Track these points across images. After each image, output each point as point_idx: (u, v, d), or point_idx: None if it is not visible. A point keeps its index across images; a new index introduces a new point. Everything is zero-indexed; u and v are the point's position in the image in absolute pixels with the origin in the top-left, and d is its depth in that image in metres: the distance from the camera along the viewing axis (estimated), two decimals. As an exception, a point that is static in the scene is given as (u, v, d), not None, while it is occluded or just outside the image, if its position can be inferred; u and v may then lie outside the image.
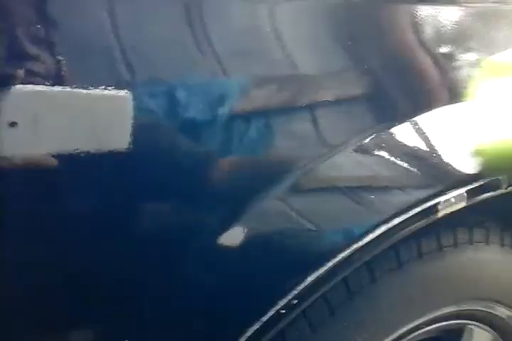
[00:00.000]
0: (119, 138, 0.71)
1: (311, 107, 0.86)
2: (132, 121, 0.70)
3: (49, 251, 0.72)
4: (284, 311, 0.82)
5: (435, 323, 1.10)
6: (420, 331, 1.08)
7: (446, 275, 1.08)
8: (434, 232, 1.05)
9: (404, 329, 1.04)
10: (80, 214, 0.73)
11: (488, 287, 1.14)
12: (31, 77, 0.65)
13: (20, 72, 0.64)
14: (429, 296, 1.06)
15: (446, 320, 1.12)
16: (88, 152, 0.69)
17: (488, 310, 1.16)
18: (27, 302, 0.73)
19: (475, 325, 1.17)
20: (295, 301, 0.83)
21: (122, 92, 0.70)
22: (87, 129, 0.69)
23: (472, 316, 1.15)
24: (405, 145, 0.94)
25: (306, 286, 0.83)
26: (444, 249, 1.06)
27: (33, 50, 0.65)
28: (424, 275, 1.05)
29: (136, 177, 0.75)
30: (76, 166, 0.70)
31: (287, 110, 0.85)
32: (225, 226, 0.80)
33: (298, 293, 0.83)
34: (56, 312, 0.75)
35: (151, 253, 0.77)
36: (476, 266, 1.12)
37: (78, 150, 0.68)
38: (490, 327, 1.19)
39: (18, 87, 0.64)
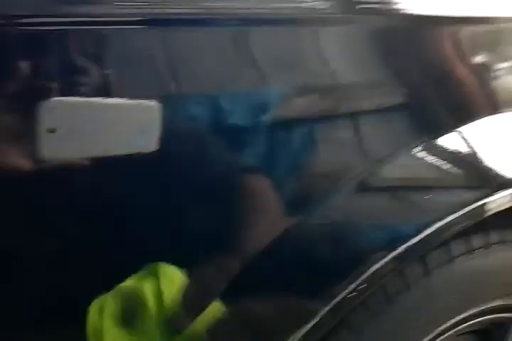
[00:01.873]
0: (151, 145, 0.76)
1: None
2: (163, 129, 0.76)
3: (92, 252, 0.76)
4: (353, 294, 0.90)
5: (484, 316, 1.18)
6: (470, 322, 1.16)
7: (493, 271, 1.15)
8: (483, 230, 1.13)
9: (456, 319, 1.12)
10: (116, 217, 0.78)
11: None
12: (69, 88, 0.71)
13: (59, 84, 0.71)
14: (478, 290, 1.14)
15: (495, 313, 1.20)
16: (120, 157, 0.74)
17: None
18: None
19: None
20: (363, 286, 0.91)
21: (154, 102, 0.75)
22: (119, 136, 0.74)
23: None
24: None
25: (371, 273, 0.91)
26: (493, 246, 1.15)
27: (71, 64, 0.72)
28: (474, 270, 1.12)
29: (165, 182, 0.79)
30: (109, 171, 0.75)
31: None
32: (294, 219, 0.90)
33: (365, 279, 0.91)
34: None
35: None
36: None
37: (110, 155, 0.74)
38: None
39: (57, 97, 0.70)
